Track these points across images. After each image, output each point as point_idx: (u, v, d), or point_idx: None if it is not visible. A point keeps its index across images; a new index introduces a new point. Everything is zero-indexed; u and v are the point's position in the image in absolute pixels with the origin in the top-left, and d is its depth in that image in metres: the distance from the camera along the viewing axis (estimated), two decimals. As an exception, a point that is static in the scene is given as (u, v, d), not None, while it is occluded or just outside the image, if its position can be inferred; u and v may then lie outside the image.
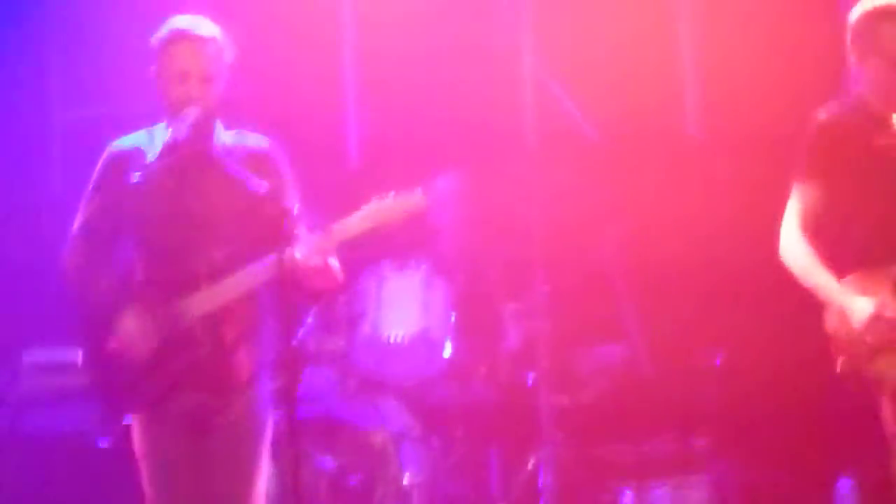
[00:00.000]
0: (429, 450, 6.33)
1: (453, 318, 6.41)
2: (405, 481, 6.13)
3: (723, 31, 7.67)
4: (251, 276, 4.30)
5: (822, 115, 4.91)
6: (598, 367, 6.81)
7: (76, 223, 4.52)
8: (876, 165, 4.79)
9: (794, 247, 4.88)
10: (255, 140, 4.47)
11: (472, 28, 7.26)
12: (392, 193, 4.44)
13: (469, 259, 6.82)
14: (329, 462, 6.11)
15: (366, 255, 6.29)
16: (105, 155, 4.52)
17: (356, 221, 4.31)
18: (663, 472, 6.49)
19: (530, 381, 6.52)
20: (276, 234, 4.13)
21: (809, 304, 7.26)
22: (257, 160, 4.37)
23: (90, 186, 4.52)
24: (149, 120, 4.62)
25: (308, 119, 7.43)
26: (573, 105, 6.69)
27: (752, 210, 7.36)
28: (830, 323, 4.85)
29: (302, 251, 4.20)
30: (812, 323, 7.24)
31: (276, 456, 5.02)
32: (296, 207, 4.29)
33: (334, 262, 4.38)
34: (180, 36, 4.42)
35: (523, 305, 6.61)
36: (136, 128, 4.61)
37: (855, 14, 4.86)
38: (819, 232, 4.92)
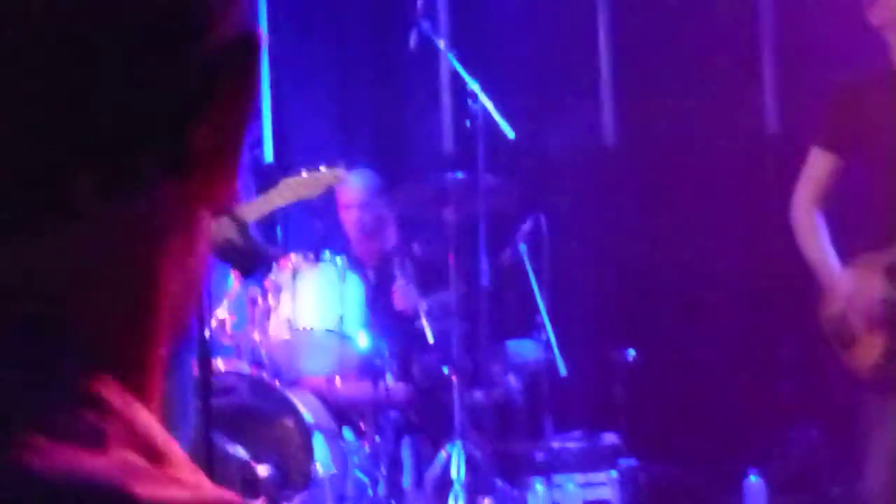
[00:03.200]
0: (341, 443, 6.34)
1: (367, 314, 6.44)
2: (317, 473, 6.10)
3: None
4: None
5: (845, 79, 4.74)
6: (511, 363, 6.85)
7: None
8: (888, 141, 4.56)
9: (801, 217, 4.70)
10: None
11: (391, 25, 7.26)
12: (309, 169, 4.44)
13: (384, 255, 6.86)
14: (241, 452, 6.04)
15: (280, 248, 6.43)
16: None
17: (274, 196, 4.31)
18: (573, 468, 6.58)
19: (444, 377, 6.58)
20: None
21: (722, 300, 7.46)
22: None
23: None
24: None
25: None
26: (490, 103, 6.69)
27: (666, 205, 7.54)
28: (823, 309, 4.67)
29: (219, 228, 4.20)
30: (723, 318, 7.46)
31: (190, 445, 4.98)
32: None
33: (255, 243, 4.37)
34: None
35: (438, 302, 6.67)
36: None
37: None
38: (830, 205, 4.73)
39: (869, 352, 4.53)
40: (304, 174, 4.48)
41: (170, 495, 0.78)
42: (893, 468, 4.52)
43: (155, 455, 0.82)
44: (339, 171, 4.62)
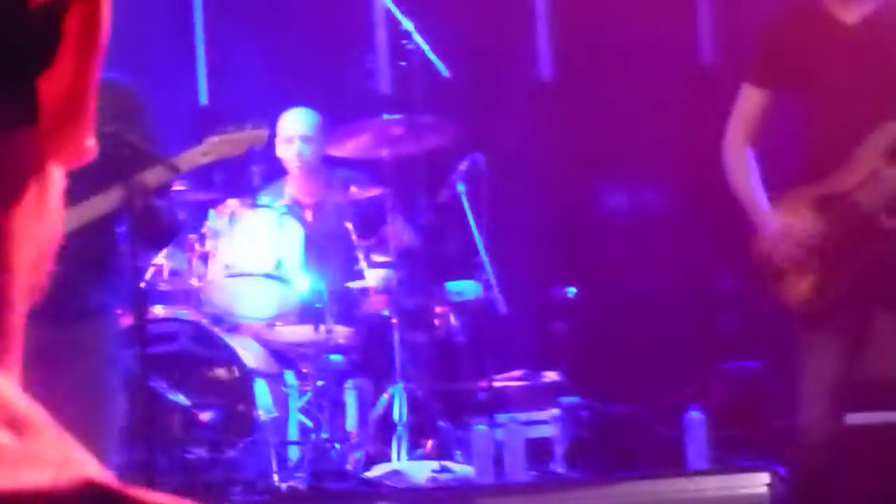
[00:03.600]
0: (283, 387, 6.46)
1: (308, 257, 6.52)
2: (259, 418, 6.22)
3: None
4: (96, 205, 4.27)
5: (775, 15, 4.81)
6: (452, 303, 6.96)
7: None
8: (819, 76, 4.64)
9: (732, 154, 4.78)
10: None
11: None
12: (234, 127, 4.49)
13: (322, 198, 6.93)
14: (182, 399, 6.19)
15: (217, 193, 6.48)
16: None
17: (198, 154, 4.34)
18: (515, 407, 6.67)
19: (385, 319, 6.69)
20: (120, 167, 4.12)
21: (661, 234, 7.59)
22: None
23: None
24: None
25: (159, 55, 7.45)
26: (425, 43, 6.77)
27: (604, 140, 7.64)
28: (755, 244, 4.78)
29: (144, 179, 4.20)
30: (662, 253, 7.59)
31: (128, 393, 5.08)
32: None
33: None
34: None
35: (377, 243, 6.74)
36: None
37: None
38: (761, 141, 4.78)
39: (799, 286, 4.65)
40: (229, 132, 4.53)
41: (25, 484, 0.76)
42: (826, 400, 4.65)
43: (17, 425, 0.80)
44: (263, 131, 4.68)
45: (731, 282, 7.58)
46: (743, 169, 4.73)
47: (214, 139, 4.34)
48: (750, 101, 4.74)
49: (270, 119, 7.05)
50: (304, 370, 6.59)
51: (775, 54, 4.71)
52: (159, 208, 4.32)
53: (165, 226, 4.44)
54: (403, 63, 6.61)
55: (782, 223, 4.64)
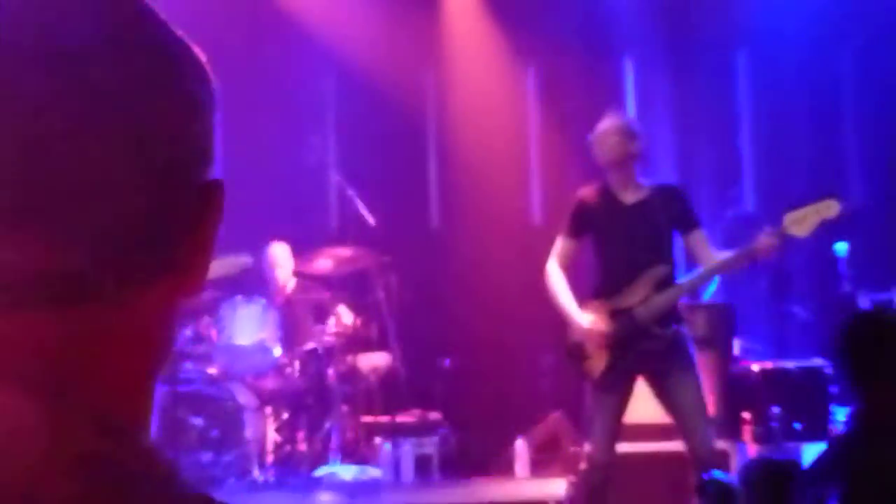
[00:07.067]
0: (262, 416, 7.71)
1: (280, 334, 7.84)
2: (246, 435, 7.46)
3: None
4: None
5: (581, 191, 5.70)
6: (371, 366, 8.30)
7: None
8: (607, 230, 5.58)
9: (552, 278, 5.65)
10: None
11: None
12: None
13: (290, 298, 8.32)
14: (198, 422, 7.37)
15: (224, 292, 7.73)
16: None
17: None
18: (409, 433, 7.87)
19: (329, 375, 7.92)
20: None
21: (502, 329, 9.07)
22: None
23: None
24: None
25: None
26: (355, 193, 8.34)
27: (476, 262, 9.18)
28: (568, 336, 5.63)
29: None
30: (508, 341, 9.07)
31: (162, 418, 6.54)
32: None
33: None
34: None
35: (325, 328, 8.14)
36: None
37: None
38: (570, 270, 5.73)
39: (597, 364, 5.64)
40: (221, 258, 5.06)
41: None
42: (606, 436, 5.67)
43: None
44: (244, 259, 5.67)
45: (550, 358, 8.76)
46: (560, 289, 5.71)
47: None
48: (562, 246, 5.77)
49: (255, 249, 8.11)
50: (277, 406, 7.82)
51: (579, 217, 5.75)
52: None
53: None
54: (347, 211, 8.15)
55: (588, 323, 5.61)
